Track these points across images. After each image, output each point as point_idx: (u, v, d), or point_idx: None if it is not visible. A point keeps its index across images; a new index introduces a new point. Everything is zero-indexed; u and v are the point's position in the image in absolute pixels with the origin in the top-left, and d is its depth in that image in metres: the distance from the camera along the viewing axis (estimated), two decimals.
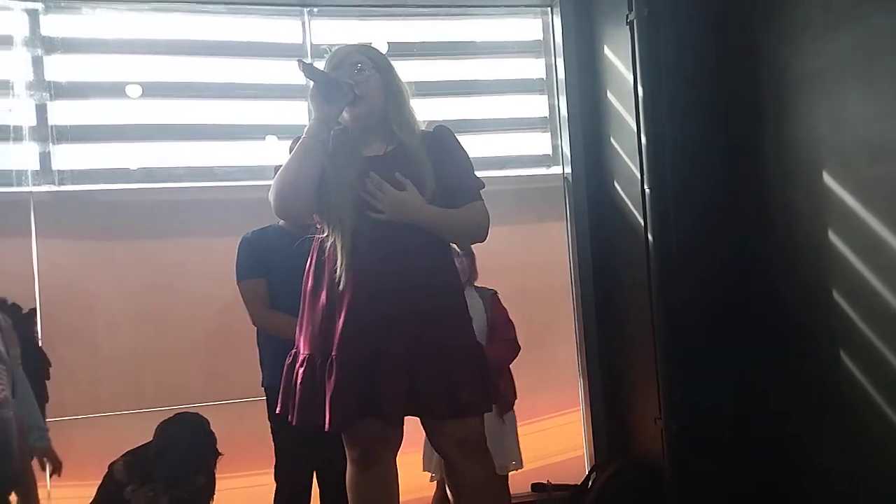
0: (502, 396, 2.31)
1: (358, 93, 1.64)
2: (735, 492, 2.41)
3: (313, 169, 1.63)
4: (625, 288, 2.81)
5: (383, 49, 2.98)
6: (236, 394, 2.64)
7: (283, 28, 2.92)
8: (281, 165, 1.70)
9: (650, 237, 2.46)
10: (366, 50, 1.74)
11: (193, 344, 2.70)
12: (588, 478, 2.66)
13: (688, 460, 2.40)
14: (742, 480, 2.42)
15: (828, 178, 2.04)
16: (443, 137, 1.76)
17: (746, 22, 2.34)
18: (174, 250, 2.72)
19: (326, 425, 1.62)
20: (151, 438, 2.20)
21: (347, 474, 1.80)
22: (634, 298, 2.66)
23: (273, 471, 2.28)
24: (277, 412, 1.80)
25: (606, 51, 2.83)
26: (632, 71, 2.52)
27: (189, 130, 2.83)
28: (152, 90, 2.78)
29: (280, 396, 1.76)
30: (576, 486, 2.70)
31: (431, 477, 2.46)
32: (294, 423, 1.69)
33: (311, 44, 2.91)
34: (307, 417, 1.65)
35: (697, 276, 2.46)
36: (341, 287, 1.61)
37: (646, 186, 2.47)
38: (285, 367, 1.77)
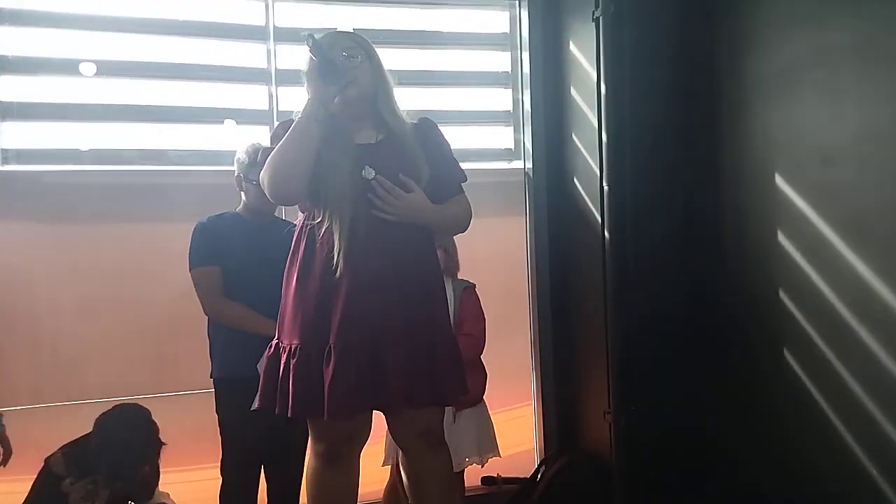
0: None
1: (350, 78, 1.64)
2: (682, 486, 2.46)
3: (311, 150, 1.61)
4: (580, 283, 2.83)
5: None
6: (185, 385, 2.59)
7: (245, 9, 2.85)
8: (270, 148, 1.67)
9: (607, 234, 2.48)
10: (354, 36, 1.74)
11: (141, 333, 2.62)
12: (537, 471, 2.69)
13: (635, 454, 2.44)
14: (689, 474, 2.47)
15: (780, 180, 2.08)
16: (429, 129, 1.79)
17: (707, 22, 2.37)
18: (124, 235, 2.63)
19: (326, 414, 1.59)
20: (89, 432, 2.14)
21: (309, 468, 1.77)
22: (589, 294, 2.69)
23: (220, 466, 2.25)
24: (255, 408, 1.75)
25: (572, 46, 2.83)
26: (595, 67, 2.53)
27: (143, 112, 2.73)
28: (106, 69, 2.68)
29: (260, 390, 1.72)
30: (525, 479, 2.72)
31: (385, 461, 2.45)
32: (290, 416, 1.64)
33: (275, 26, 2.85)
34: (304, 408, 1.62)
35: (651, 274, 2.49)
36: (338, 274, 1.59)
37: (604, 184, 2.49)
38: (266, 360, 1.73)
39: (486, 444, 2.46)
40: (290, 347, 1.65)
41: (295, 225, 2.43)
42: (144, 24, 2.73)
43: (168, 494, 2.27)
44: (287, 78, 2.84)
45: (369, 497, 2.59)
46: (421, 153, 1.73)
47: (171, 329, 2.62)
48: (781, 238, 2.08)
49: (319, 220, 1.65)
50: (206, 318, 2.27)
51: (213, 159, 2.71)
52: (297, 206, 1.83)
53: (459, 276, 2.50)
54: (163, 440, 2.19)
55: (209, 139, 2.81)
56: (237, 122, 2.81)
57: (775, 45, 2.08)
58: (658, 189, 2.52)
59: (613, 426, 2.45)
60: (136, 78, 2.73)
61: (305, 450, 2.31)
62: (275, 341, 1.73)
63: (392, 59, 3.04)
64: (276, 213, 2.41)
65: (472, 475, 2.58)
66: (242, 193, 2.31)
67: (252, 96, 2.84)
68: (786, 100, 2.06)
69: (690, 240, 2.49)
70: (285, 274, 1.73)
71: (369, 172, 1.65)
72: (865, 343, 1.81)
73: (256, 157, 2.25)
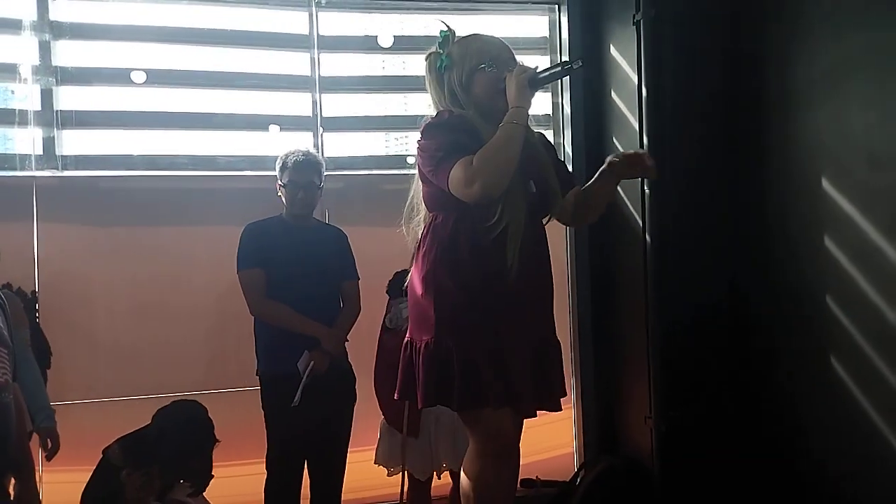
0: None
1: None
2: (723, 492, 2.42)
3: (518, 155, 1.64)
4: (621, 287, 2.82)
5: (389, 42, 3.01)
6: (233, 382, 2.66)
7: (290, 19, 2.93)
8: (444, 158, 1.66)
9: (648, 238, 2.47)
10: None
11: (192, 332, 2.71)
12: (577, 475, 2.68)
13: (677, 460, 2.42)
14: (730, 481, 2.43)
15: (826, 184, 2.05)
16: (547, 141, 1.90)
17: (753, 25, 2.34)
18: (175, 238, 2.73)
19: (531, 408, 1.69)
20: (146, 424, 2.21)
21: (481, 471, 1.71)
22: (630, 298, 2.68)
23: (265, 460, 2.31)
24: (396, 397, 1.79)
25: (612, 50, 2.83)
26: (636, 71, 2.52)
27: (193, 119, 2.84)
28: (157, 78, 2.79)
29: (424, 387, 1.69)
30: (564, 482, 2.72)
31: (390, 472, 2.47)
32: (498, 405, 1.65)
33: (318, 35, 2.92)
34: (498, 397, 1.64)
35: (693, 278, 2.47)
36: (510, 280, 1.64)
37: (646, 188, 2.48)
38: (426, 358, 1.68)
39: (464, 451, 2.44)
40: (466, 346, 1.66)
41: (332, 226, 2.51)
42: (193, 35, 2.83)
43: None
44: (330, 85, 2.91)
45: (372, 499, 2.69)
46: (552, 163, 1.83)
47: (221, 328, 2.71)
48: (828, 242, 2.04)
49: (492, 223, 1.65)
50: (252, 317, 2.34)
51: (261, 164, 2.79)
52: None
53: None
54: (217, 438, 2.25)
55: (255, 145, 2.90)
56: (281, 128, 2.89)
57: (823, 46, 2.05)
58: (700, 192, 2.50)
59: (654, 432, 2.44)
60: (185, 87, 2.84)
61: (346, 446, 2.39)
62: (423, 339, 1.70)
63: None
64: (316, 217, 2.47)
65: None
66: (282, 198, 2.39)
67: (296, 103, 2.92)
68: (833, 102, 2.03)
69: (734, 244, 2.46)
70: (429, 272, 1.70)
71: (531, 187, 1.73)
72: None
73: (283, 163, 2.36)
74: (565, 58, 3.04)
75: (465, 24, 3.05)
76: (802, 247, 2.15)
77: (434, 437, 2.38)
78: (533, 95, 1.67)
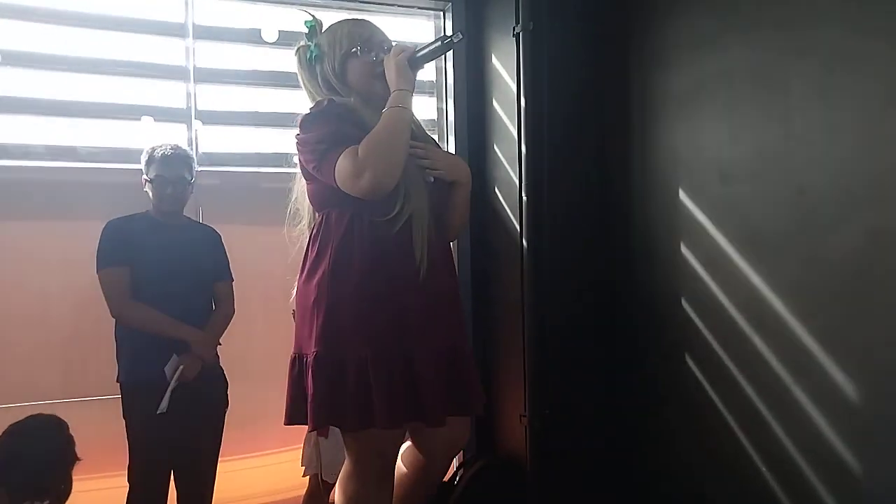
0: None
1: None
2: (593, 486, 2.55)
3: (408, 140, 1.52)
4: (499, 290, 2.89)
5: (274, 37, 2.92)
6: (92, 390, 2.48)
7: (164, 5, 2.77)
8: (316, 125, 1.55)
9: (524, 242, 2.55)
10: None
11: (45, 337, 2.50)
12: (455, 475, 2.72)
13: (549, 457, 2.50)
14: (600, 475, 2.56)
15: (683, 195, 2.20)
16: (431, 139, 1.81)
17: (621, 42, 2.48)
18: (27, 234, 2.51)
19: (427, 422, 1.52)
20: None
21: (357, 494, 1.58)
22: (507, 300, 2.76)
23: (126, 472, 2.17)
24: (287, 423, 1.59)
25: (494, 59, 2.90)
26: (516, 81, 2.60)
27: (52, 106, 2.62)
28: (14, 59, 2.55)
29: (315, 406, 1.52)
30: (444, 483, 2.74)
31: (305, 472, 2.41)
32: (381, 427, 1.49)
33: (194, 23, 2.79)
34: (394, 419, 1.49)
35: (566, 281, 2.58)
36: (421, 277, 1.51)
37: (523, 194, 2.56)
38: (317, 373, 1.50)
39: None
40: (363, 357, 1.50)
41: (204, 224, 2.40)
42: (58, 16, 2.61)
43: None
44: (207, 76, 2.79)
45: None
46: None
47: (78, 332, 2.51)
48: (684, 249, 2.20)
49: (393, 216, 1.51)
50: (113, 320, 2.19)
51: (128, 157, 2.62)
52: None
53: None
54: (78, 455, 2.07)
55: (125, 136, 2.72)
56: (154, 119, 2.73)
57: (681, 66, 2.21)
58: (573, 199, 2.62)
59: (528, 429, 2.51)
60: (46, 70, 2.61)
61: (216, 455, 2.29)
62: (315, 351, 1.53)
63: None
64: (188, 214, 2.36)
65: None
66: (149, 193, 2.26)
67: (170, 93, 2.77)
68: (689, 119, 2.18)
69: (603, 249, 2.59)
70: (322, 276, 1.53)
71: (427, 176, 1.60)
72: (758, 349, 1.93)
73: (149, 156, 2.24)
74: (450, 65, 3.09)
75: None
76: (662, 253, 2.30)
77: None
78: (415, 76, 1.58)
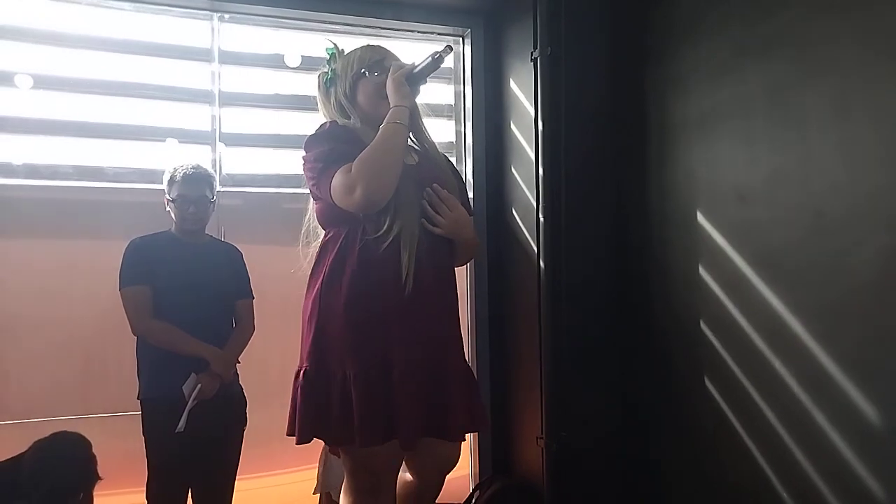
0: None
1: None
2: None
3: (402, 156, 1.54)
4: (517, 312, 2.90)
5: (297, 62, 2.99)
6: (113, 407, 2.51)
7: (190, 30, 2.85)
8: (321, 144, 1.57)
9: (542, 264, 2.56)
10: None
11: (69, 352, 2.54)
12: (471, 497, 2.71)
13: (566, 479, 2.49)
14: (620, 501, 2.53)
15: (701, 218, 2.20)
16: (451, 162, 1.81)
17: (638, 66, 2.51)
18: (54, 251, 2.57)
19: (401, 440, 1.50)
20: (21, 453, 2.03)
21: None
22: (524, 322, 2.76)
23: (145, 490, 2.19)
24: (293, 437, 1.58)
25: (512, 84, 2.94)
26: (534, 105, 2.63)
27: (80, 127, 2.70)
28: (44, 82, 2.64)
29: (298, 422, 1.55)
30: None
31: (315, 489, 2.41)
32: (360, 446, 1.50)
33: (220, 49, 2.86)
34: (372, 437, 1.49)
35: (583, 303, 2.58)
36: (406, 293, 1.51)
37: (540, 215, 2.58)
38: (305, 388, 1.54)
39: None
40: (347, 373, 1.51)
41: (226, 243, 2.43)
42: (87, 41, 2.70)
43: None
44: (231, 100, 2.85)
45: None
46: (454, 181, 1.73)
47: (100, 349, 2.55)
48: (702, 271, 2.19)
49: (381, 233, 1.53)
50: (135, 338, 2.23)
51: (153, 177, 2.68)
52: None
53: None
54: (100, 474, 2.09)
55: (150, 157, 2.78)
56: (180, 141, 2.80)
57: (698, 91, 2.22)
58: (591, 221, 2.63)
59: (545, 452, 2.50)
60: (75, 93, 2.69)
61: (233, 474, 2.30)
62: (304, 366, 1.58)
63: None
64: (209, 233, 2.40)
65: None
66: (171, 213, 2.31)
67: (195, 116, 2.84)
68: (707, 143, 2.19)
69: (621, 271, 2.59)
70: (317, 292, 1.57)
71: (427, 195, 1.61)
72: (777, 371, 1.92)
73: (171, 176, 2.28)
74: (468, 89, 3.14)
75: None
76: (680, 275, 2.29)
77: None
78: (415, 93, 1.62)
